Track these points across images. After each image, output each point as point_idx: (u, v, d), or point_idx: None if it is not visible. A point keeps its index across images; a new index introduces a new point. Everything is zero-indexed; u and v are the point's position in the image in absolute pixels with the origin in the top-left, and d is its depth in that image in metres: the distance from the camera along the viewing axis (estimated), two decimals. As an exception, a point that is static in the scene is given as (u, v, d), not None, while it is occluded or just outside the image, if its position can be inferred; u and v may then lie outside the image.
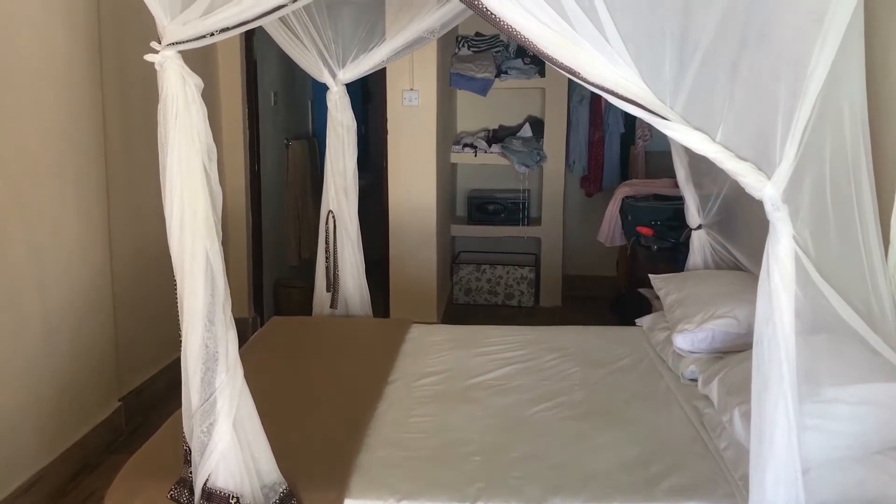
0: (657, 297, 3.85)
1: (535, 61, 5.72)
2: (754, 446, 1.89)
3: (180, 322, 2.05)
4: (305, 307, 5.61)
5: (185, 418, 2.07)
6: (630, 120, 5.79)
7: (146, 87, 2.55)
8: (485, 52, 5.81)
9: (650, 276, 3.49)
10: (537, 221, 5.91)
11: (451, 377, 2.98)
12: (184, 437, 2.09)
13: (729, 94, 1.81)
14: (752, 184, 1.81)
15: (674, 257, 4.20)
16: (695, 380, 2.84)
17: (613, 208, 4.73)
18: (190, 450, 2.07)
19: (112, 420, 3.68)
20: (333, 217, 3.50)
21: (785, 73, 1.76)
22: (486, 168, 6.03)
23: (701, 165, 3.39)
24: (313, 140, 6.41)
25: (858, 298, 2.04)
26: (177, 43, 1.97)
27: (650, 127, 5.71)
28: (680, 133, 1.81)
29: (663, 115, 1.79)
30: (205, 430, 2.02)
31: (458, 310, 5.76)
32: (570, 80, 5.46)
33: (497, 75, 5.64)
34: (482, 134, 5.94)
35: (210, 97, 4.77)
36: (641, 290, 4.02)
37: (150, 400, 4.00)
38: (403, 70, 4.78)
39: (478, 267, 5.89)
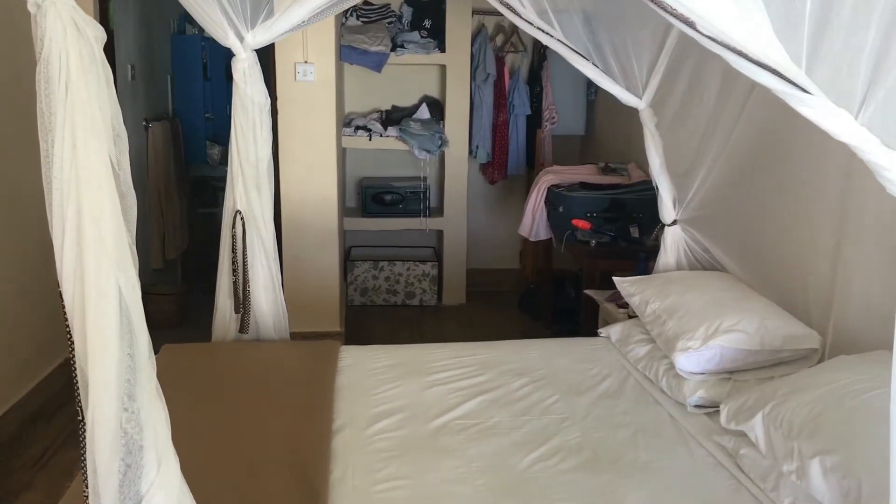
0: (610, 301, 3.43)
1: (432, 35, 5.15)
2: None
3: (80, 403, 1.35)
4: (175, 317, 4.85)
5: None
6: (536, 101, 5.34)
7: None
8: (375, 23, 5.19)
9: (615, 277, 3.03)
10: (438, 212, 5.36)
11: (411, 418, 2.39)
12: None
13: (882, 59, 1.32)
14: (900, 183, 1.34)
15: (612, 252, 3.78)
16: (701, 406, 2.42)
17: (537, 198, 4.25)
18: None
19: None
20: (242, 219, 2.79)
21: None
22: (378, 154, 5.42)
23: (677, 153, 2.96)
24: (175, 121, 5.57)
25: None
26: (65, -28, 1.27)
27: (559, 109, 5.36)
28: (819, 112, 1.31)
29: (804, 86, 1.29)
30: (128, 557, 1.35)
31: (355, 313, 5.13)
32: (472, 55, 5.05)
33: (392, 49, 5.02)
34: (375, 115, 5.31)
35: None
36: (589, 293, 3.57)
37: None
38: (295, 40, 4.08)
39: (375, 264, 5.27)
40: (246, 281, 2.82)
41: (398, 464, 2.13)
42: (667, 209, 3.07)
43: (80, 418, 1.40)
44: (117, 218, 1.35)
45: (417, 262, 5.31)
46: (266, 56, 4.17)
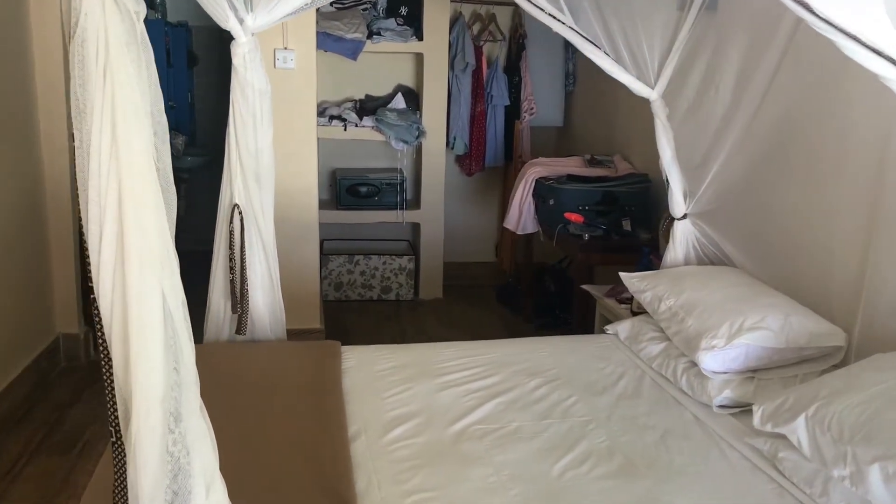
0: (610, 296, 3.35)
1: (409, 22, 5.01)
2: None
3: (114, 423, 1.21)
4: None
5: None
6: (514, 92, 5.23)
7: None
8: (350, 9, 5.01)
9: (622, 273, 2.94)
10: (414, 205, 5.22)
11: (427, 423, 2.27)
12: None
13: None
14: None
15: (604, 246, 3.71)
16: (725, 406, 2.35)
17: (524, 191, 4.16)
18: None
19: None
20: (240, 213, 2.62)
21: None
22: (351, 144, 5.25)
23: (690, 145, 2.88)
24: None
25: None
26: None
27: (536, 100, 5.26)
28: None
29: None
30: None
31: (330, 309, 4.97)
32: (450, 43, 4.93)
33: (368, 37, 4.87)
34: (349, 104, 5.15)
35: (22, 53, 3.64)
36: (587, 288, 3.48)
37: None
38: (275, 26, 3.90)
39: (350, 258, 5.12)
40: (244, 279, 2.65)
41: (425, 473, 2.01)
42: (677, 203, 2.99)
43: (113, 440, 1.26)
44: (161, 215, 1.20)
45: (393, 256, 5.18)
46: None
